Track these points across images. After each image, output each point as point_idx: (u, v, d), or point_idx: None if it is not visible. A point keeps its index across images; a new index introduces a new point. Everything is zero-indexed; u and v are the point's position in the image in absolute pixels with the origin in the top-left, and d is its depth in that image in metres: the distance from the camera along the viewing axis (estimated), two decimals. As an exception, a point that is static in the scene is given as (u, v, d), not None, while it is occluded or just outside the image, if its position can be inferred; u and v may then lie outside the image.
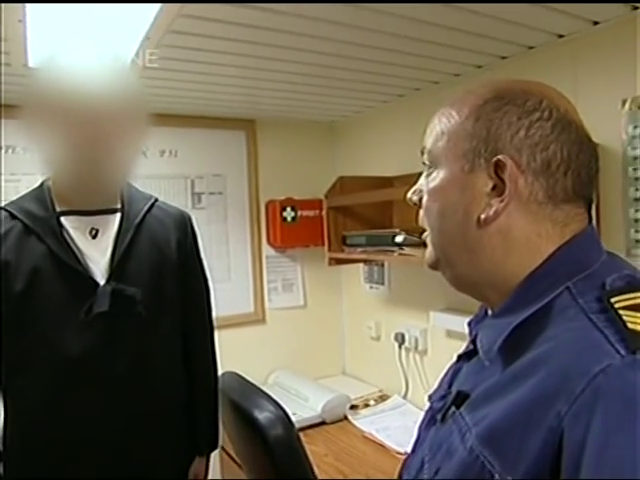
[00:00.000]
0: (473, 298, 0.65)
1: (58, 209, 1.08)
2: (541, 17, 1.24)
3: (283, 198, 2.23)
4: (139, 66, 1.36)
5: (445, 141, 0.60)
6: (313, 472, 1.24)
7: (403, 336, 2.04)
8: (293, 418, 1.26)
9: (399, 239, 1.62)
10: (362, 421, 1.89)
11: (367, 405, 2.04)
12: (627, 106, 1.26)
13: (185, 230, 1.23)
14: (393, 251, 1.69)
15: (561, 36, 1.38)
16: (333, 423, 1.90)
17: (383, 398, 2.09)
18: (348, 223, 1.98)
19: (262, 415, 1.22)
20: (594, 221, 0.62)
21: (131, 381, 1.09)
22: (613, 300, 0.49)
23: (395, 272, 2.14)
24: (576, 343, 0.48)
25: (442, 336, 1.89)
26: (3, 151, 1.77)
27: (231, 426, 1.41)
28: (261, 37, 1.28)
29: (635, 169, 1.25)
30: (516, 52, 1.49)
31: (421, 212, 0.65)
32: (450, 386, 0.66)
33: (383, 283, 2.20)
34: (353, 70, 1.59)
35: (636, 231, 1.26)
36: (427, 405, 0.73)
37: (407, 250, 1.62)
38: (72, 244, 1.06)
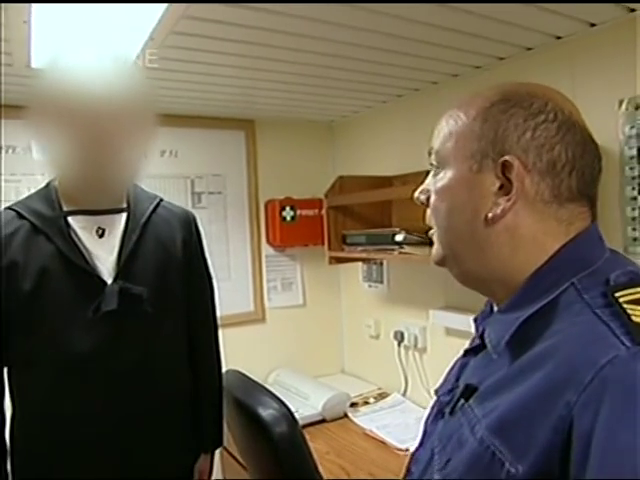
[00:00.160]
0: (479, 293, 0.67)
1: (65, 209, 1.08)
2: (538, 19, 1.26)
3: (282, 198, 2.25)
4: (139, 67, 1.37)
5: (453, 142, 0.62)
6: (317, 469, 1.25)
7: (402, 334, 2.06)
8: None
9: (399, 238, 1.64)
10: (362, 419, 1.91)
11: (367, 403, 2.06)
12: (624, 106, 1.28)
13: (190, 229, 1.25)
14: (393, 250, 1.71)
15: (559, 37, 1.40)
16: (333, 421, 1.91)
17: (382, 396, 2.11)
18: (348, 222, 2.00)
19: (266, 412, 1.23)
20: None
21: (137, 379, 1.10)
22: (617, 295, 0.51)
23: (394, 271, 2.16)
24: (582, 336, 0.50)
25: (441, 334, 1.91)
26: (4, 151, 1.78)
27: (235, 424, 1.42)
28: (260, 38, 1.29)
29: (632, 168, 1.27)
30: (514, 53, 1.51)
31: (428, 211, 0.67)
32: (457, 380, 0.68)
33: (382, 282, 2.22)
34: (352, 70, 1.60)
35: (633, 229, 1.28)
36: (433, 399, 0.75)
37: (407, 249, 1.64)
38: (79, 243, 1.06)
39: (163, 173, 2.04)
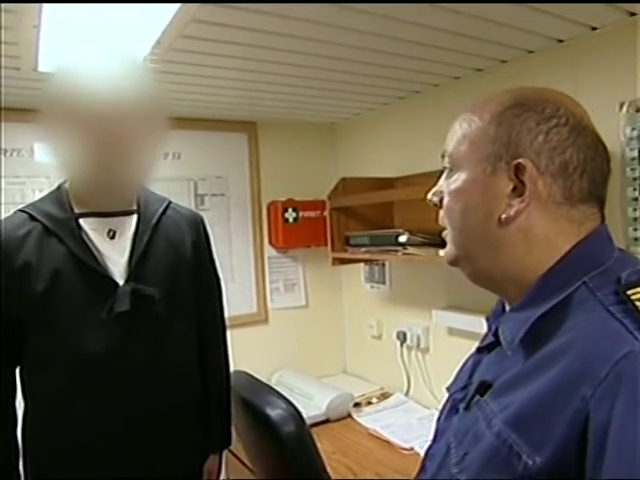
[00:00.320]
0: (491, 292, 0.69)
1: (76, 211, 1.09)
2: (540, 22, 1.28)
3: (284, 199, 2.26)
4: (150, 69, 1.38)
5: (467, 145, 0.63)
6: (325, 468, 1.26)
7: (405, 334, 2.07)
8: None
9: (403, 239, 1.66)
10: (366, 418, 1.92)
11: (370, 403, 2.07)
12: (625, 109, 1.30)
13: (199, 231, 1.26)
14: (397, 251, 1.72)
15: (560, 41, 1.42)
16: (337, 421, 1.92)
17: (385, 396, 2.12)
18: (350, 223, 2.01)
19: (274, 412, 1.24)
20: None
21: (148, 380, 1.11)
22: (629, 293, 0.53)
23: (396, 271, 2.18)
24: (596, 332, 0.52)
25: (444, 334, 1.92)
26: (9, 154, 1.78)
27: (242, 424, 1.43)
28: (265, 41, 1.31)
29: (633, 169, 1.29)
30: (516, 56, 1.53)
31: (441, 212, 0.69)
32: (471, 377, 0.70)
33: (384, 282, 2.23)
34: (354, 73, 1.62)
35: (634, 229, 1.30)
36: (444, 397, 0.76)
37: (411, 249, 1.66)
38: (91, 245, 1.08)
39: (166, 175, 2.04)
